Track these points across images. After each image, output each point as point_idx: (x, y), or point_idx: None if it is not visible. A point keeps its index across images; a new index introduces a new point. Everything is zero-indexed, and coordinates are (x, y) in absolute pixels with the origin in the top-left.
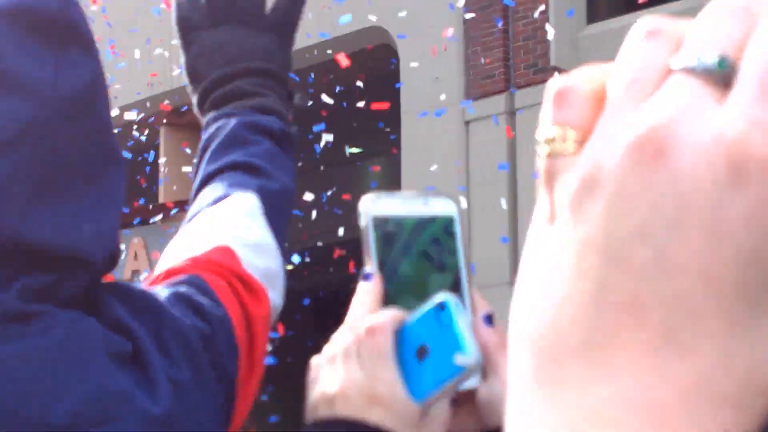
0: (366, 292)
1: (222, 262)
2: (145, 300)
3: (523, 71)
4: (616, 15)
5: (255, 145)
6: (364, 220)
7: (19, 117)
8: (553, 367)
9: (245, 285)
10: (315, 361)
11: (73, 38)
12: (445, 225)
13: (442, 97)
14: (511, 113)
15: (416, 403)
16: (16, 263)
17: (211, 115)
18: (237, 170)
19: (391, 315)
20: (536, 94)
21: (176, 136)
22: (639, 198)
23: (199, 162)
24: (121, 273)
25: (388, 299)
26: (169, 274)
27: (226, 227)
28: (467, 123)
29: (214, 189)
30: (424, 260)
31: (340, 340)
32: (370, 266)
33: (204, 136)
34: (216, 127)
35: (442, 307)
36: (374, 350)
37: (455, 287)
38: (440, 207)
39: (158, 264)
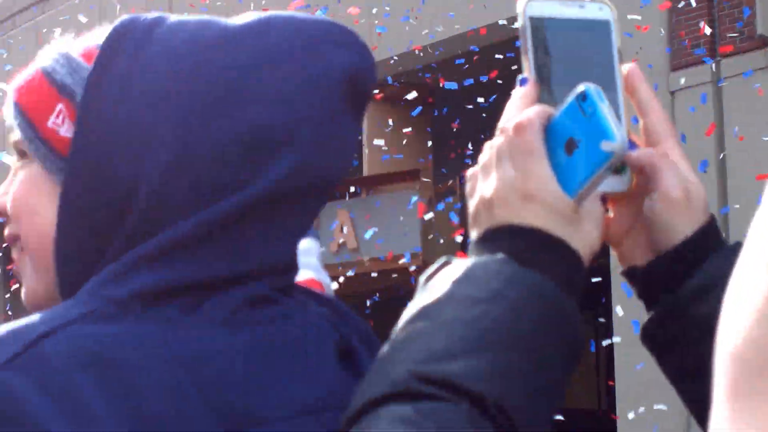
0: (520, 97)
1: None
2: (329, 299)
3: (729, 40)
4: None
5: None
6: (522, 20)
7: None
8: (750, 379)
9: None
10: (470, 172)
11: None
12: (601, 29)
13: (647, 67)
14: (716, 83)
15: (569, 196)
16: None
17: None
18: None
19: (537, 110)
20: (742, 64)
21: (377, 110)
22: None
23: None
24: (328, 246)
25: (543, 103)
26: None
27: (309, 265)
28: (672, 93)
29: None
30: (579, 63)
31: (492, 145)
32: (527, 69)
33: None
34: None
35: (584, 97)
36: (524, 147)
37: (610, 92)
38: (596, 11)
39: None
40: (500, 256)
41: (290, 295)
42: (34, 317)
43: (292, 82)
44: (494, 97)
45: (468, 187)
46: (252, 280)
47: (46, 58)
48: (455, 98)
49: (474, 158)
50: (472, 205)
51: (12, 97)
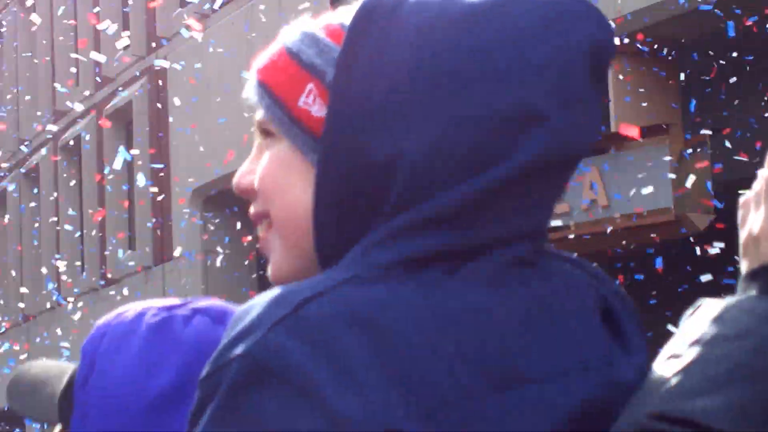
0: None
1: None
2: (581, 260)
3: None
4: None
5: None
6: None
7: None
8: None
9: None
10: (742, 200)
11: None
12: None
13: None
14: None
15: None
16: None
17: None
18: None
19: None
20: None
21: (623, 65)
22: None
23: None
24: (579, 205)
25: None
26: None
27: None
28: None
29: None
30: None
31: (763, 175)
32: None
33: None
34: None
35: None
36: None
37: None
38: None
39: None
40: (754, 293)
41: (545, 257)
42: (301, 283)
43: (541, 59)
44: (747, 46)
45: (740, 215)
46: (510, 244)
47: (287, 38)
48: (704, 49)
49: (726, 109)
50: (742, 236)
51: (255, 77)
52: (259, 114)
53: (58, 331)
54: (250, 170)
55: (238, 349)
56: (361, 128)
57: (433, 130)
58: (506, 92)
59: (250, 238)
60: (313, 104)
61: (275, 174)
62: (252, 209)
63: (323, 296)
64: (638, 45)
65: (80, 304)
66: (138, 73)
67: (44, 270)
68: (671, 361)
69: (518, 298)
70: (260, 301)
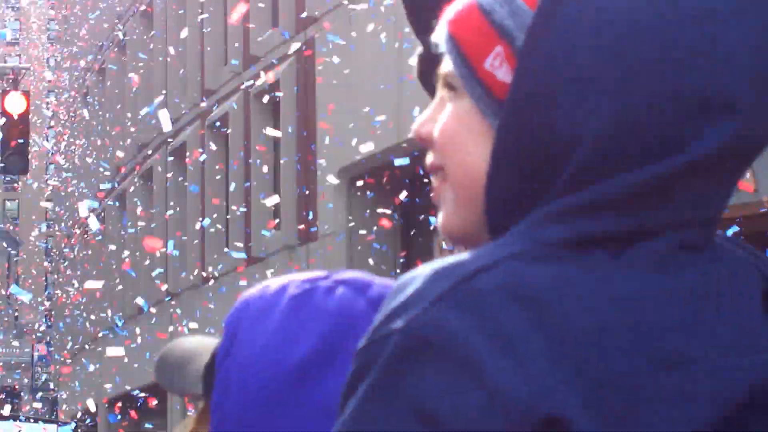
0: None
1: None
2: (746, 244)
3: None
4: None
5: None
6: None
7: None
8: None
9: None
10: None
11: None
12: None
13: None
14: None
15: None
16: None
17: None
18: None
19: None
20: None
21: None
22: None
23: None
24: None
25: None
26: None
27: None
28: None
29: None
30: None
31: None
32: None
33: None
34: None
35: None
36: None
37: None
38: None
39: None
40: None
41: (713, 241)
42: (464, 256)
43: (735, 42)
44: None
45: None
46: (681, 229)
47: None
48: None
49: None
50: None
51: (445, 28)
52: (446, 66)
53: (200, 310)
54: (430, 119)
55: (398, 323)
56: (546, 102)
57: (618, 111)
58: (696, 77)
59: (389, 223)
60: (499, 68)
61: (455, 130)
62: (428, 158)
63: (489, 271)
64: None
65: (223, 282)
66: (287, 53)
67: (187, 246)
68: None
69: (684, 282)
70: (422, 272)
